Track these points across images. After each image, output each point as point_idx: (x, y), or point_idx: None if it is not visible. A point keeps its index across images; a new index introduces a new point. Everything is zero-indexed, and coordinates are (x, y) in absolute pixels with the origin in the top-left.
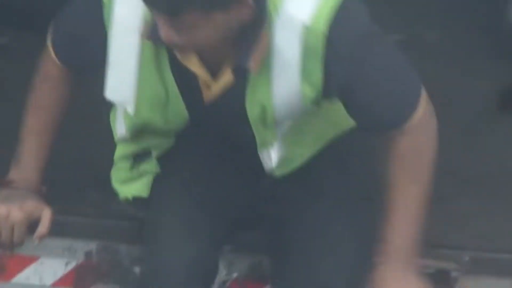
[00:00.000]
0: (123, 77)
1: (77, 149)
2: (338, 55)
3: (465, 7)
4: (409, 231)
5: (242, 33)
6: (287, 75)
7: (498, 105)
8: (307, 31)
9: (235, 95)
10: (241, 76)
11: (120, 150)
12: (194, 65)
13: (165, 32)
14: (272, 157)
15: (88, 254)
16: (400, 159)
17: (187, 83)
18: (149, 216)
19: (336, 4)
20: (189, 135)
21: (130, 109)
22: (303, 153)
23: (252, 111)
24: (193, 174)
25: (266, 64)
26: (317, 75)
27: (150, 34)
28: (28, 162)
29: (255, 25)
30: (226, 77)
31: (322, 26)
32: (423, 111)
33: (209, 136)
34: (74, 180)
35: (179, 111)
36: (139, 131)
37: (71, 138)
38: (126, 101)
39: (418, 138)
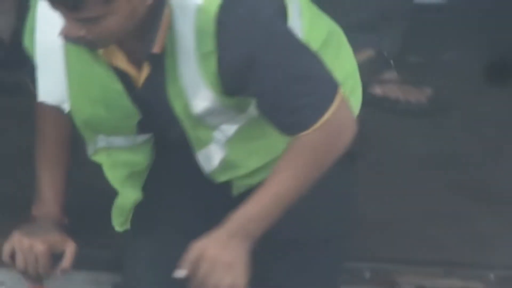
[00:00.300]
0: (53, 77)
1: (102, 181)
2: (231, 38)
3: None
4: (261, 211)
5: (150, 19)
6: (188, 61)
7: (487, 78)
8: (200, 11)
9: (160, 88)
10: (159, 66)
11: (107, 172)
12: (118, 59)
13: (70, 27)
14: (212, 159)
15: (115, 287)
16: (291, 148)
17: (124, 79)
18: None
19: None
20: (158, 148)
21: (67, 107)
22: (250, 163)
23: (176, 104)
24: (157, 196)
25: (170, 50)
26: (212, 60)
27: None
28: (47, 196)
29: (157, 8)
30: (145, 68)
31: (213, 6)
32: (334, 114)
33: (167, 144)
34: (99, 212)
35: (126, 107)
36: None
37: (95, 169)
38: (60, 100)
39: (316, 139)
